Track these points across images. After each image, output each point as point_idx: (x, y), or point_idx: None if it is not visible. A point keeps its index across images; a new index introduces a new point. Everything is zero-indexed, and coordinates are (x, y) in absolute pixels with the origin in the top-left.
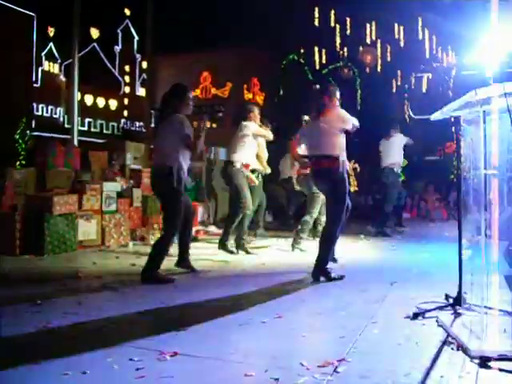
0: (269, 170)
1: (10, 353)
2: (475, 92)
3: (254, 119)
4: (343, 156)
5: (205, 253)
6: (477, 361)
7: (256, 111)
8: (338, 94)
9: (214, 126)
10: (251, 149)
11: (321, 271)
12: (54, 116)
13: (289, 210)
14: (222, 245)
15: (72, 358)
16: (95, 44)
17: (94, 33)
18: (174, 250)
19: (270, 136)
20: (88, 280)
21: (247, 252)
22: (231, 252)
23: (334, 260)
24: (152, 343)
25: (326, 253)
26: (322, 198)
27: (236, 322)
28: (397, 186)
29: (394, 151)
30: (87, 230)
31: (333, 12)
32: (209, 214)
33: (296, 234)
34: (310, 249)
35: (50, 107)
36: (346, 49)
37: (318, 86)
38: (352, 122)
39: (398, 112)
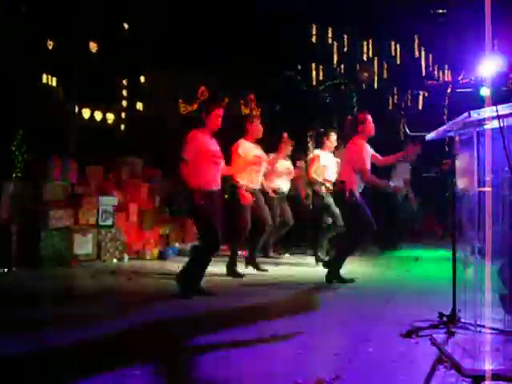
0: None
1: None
2: (469, 114)
3: (250, 133)
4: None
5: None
6: (470, 380)
7: (253, 123)
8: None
9: None
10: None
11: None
12: None
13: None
14: (231, 271)
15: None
16: (94, 58)
17: (93, 47)
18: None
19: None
20: (84, 294)
21: (258, 269)
22: (240, 275)
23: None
24: (148, 359)
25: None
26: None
27: (233, 339)
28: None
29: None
30: (83, 244)
31: (330, 29)
32: None
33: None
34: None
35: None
36: (342, 66)
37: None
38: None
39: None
